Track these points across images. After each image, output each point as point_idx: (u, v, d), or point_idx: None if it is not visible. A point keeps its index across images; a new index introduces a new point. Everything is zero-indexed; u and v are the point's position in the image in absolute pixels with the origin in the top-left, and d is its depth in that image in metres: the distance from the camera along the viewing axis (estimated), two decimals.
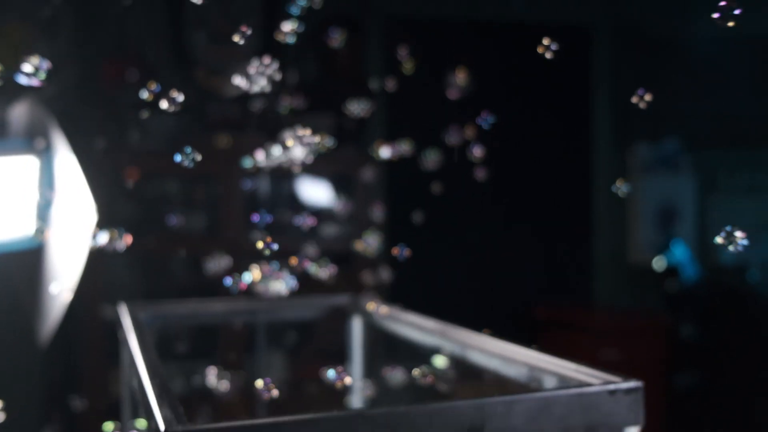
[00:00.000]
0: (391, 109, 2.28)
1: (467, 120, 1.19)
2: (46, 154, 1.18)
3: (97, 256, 1.62)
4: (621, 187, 1.53)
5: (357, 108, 0.94)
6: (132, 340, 0.59)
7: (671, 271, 2.72)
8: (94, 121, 1.78)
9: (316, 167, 2.07)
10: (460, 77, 1.19)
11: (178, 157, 0.78)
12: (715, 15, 0.69)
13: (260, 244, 0.71)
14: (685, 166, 2.93)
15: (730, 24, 0.71)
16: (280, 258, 0.84)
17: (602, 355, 2.09)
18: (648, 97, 0.82)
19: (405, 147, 1.21)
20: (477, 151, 1.21)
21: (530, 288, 2.51)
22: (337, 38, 1.34)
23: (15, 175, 1.20)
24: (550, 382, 0.48)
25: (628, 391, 0.45)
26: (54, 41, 1.66)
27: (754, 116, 2.66)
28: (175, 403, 0.40)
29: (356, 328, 0.90)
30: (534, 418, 0.43)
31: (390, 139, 2.21)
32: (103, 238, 0.78)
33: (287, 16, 0.96)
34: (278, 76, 0.71)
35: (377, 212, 1.98)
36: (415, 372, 0.88)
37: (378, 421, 0.39)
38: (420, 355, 0.82)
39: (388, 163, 2.10)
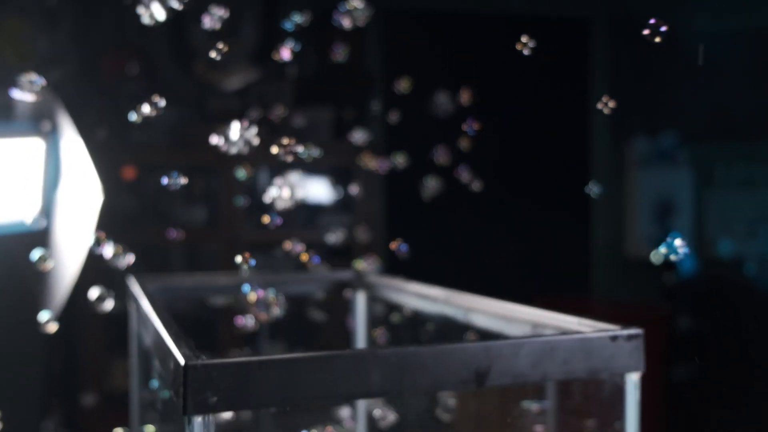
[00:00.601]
0: (389, 105, 2.29)
1: (466, 116, 1.20)
2: (51, 137, 1.19)
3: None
4: (593, 189, 1.55)
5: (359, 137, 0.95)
6: (143, 300, 0.60)
7: (669, 263, 2.73)
8: (94, 114, 1.79)
9: (316, 159, 2.07)
10: (465, 97, 1.21)
11: (164, 180, 0.80)
12: (645, 31, 0.72)
13: (239, 259, 0.72)
14: (682, 159, 2.94)
15: (657, 40, 0.74)
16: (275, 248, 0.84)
17: None
18: (612, 104, 0.84)
19: (399, 160, 1.23)
20: (464, 175, 1.22)
21: (528, 280, 2.52)
22: (341, 53, 1.36)
23: (21, 157, 1.21)
24: None
25: (629, 337, 0.47)
26: (54, 35, 1.67)
27: (751, 109, 2.67)
28: (190, 343, 0.41)
29: (360, 302, 0.92)
30: (538, 361, 0.44)
31: (389, 131, 2.23)
32: (108, 251, 0.79)
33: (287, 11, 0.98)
34: (256, 139, 0.72)
35: (376, 204, 1.99)
36: None
37: (389, 360, 0.41)
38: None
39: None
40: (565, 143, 2.69)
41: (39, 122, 1.18)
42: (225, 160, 1.90)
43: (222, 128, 0.70)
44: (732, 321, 2.38)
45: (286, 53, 0.97)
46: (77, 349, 1.74)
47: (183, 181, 0.82)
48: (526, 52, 0.82)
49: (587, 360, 0.45)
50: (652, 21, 0.75)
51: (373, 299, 0.88)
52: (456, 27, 2.41)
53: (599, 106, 0.84)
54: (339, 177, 2.17)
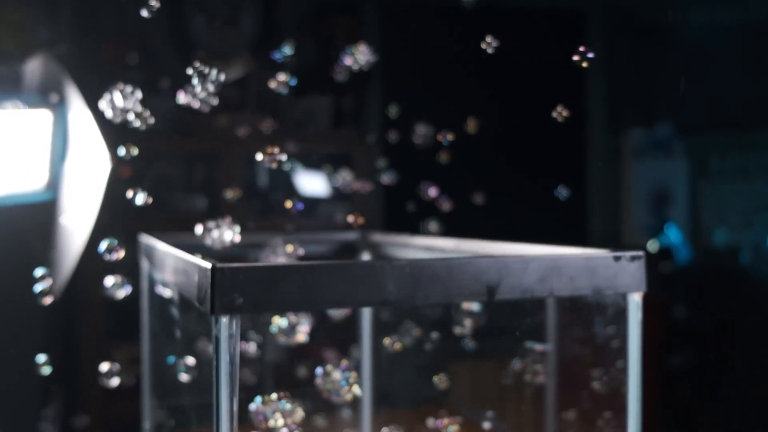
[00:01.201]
0: (388, 92, 2.31)
1: (465, 103, 1.22)
2: (59, 108, 1.21)
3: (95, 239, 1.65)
4: (562, 192, 1.57)
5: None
6: (158, 243, 0.62)
7: (665, 253, 2.75)
8: (94, 101, 1.80)
9: (315, 149, 2.10)
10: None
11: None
12: (575, 57, 0.75)
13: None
14: (678, 150, 2.97)
15: (585, 65, 0.77)
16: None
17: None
18: (565, 113, 0.87)
19: (385, 179, 1.24)
20: (432, 191, 1.23)
21: None
22: (342, 73, 1.39)
23: (29, 129, 1.23)
24: None
25: (632, 258, 0.49)
26: (54, 24, 1.69)
27: (746, 100, 2.70)
28: (210, 258, 0.43)
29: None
30: (546, 277, 0.46)
31: (386, 120, 2.25)
32: (103, 245, 0.81)
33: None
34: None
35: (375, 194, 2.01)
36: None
37: (404, 270, 0.43)
38: None
39: (386, 144, 2.13)
40: (561, 134, 2.70)
41: (47, 94, 1.20)
42: (226, 148, 1.92)
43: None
44: (728, 308, 2.40)
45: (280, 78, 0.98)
46: (77, 336, 1.74)
47: (146, 200, 0.83)
48: (489, 50, 0.84)
49: (591, 278, 0.47)
50: (581, 48, 0.77)
51: (378, 258, 0.90)
52: (453, 18, 2.43)
53: (554, 114, 0.86)
54: (337, 166, 2.18)
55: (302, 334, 0.78)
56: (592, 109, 2.73)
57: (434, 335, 0.84)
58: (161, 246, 0.61)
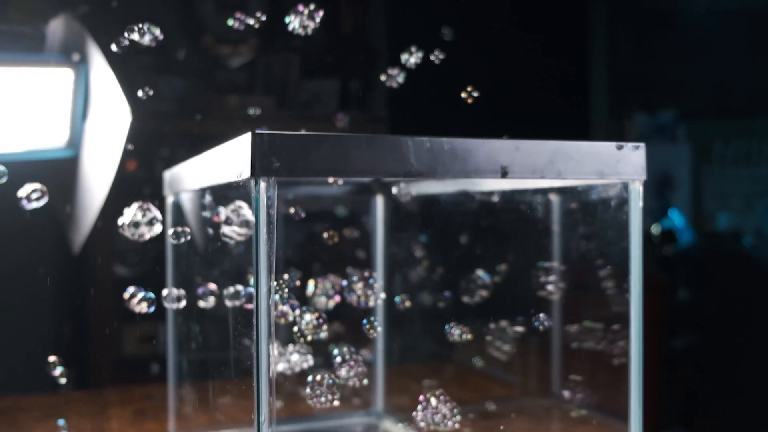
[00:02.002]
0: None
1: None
2: (80, 67, 1.25)
3: (106, 221, 1.69)
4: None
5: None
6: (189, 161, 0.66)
7: (668, 236, 2.78)
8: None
9: (322, 130, 2.13)
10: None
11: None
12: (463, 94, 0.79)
13: None
14: (681, 135, 3.00)
15: (470, 101, 0.81)
16: None
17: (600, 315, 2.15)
18: (475, 93, 0.89)
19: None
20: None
21: None
22: (342, 119, 1.42)
23: (50, 87, 1.26)
24: None
25: (634, 148, 0.53)
26: (65, 10, 1.73)
27: (749, 87, 2.73)
28: None
29: (379, 205, 0.98)
30: (554, 160, 0.50)
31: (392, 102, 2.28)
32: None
33: None
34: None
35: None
36: None
37: (424, 145, 0.47)
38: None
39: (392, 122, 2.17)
40: (565, 120, 2.74)
41: (68, 53, 1.24)
42: (232, 130, 1.95)
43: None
44: (730, 292, 2.43)
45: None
46: (87, 315, 1.77)
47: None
48: (470, 101, 0.87)
49: (596, 163, 0.51)
50: (469, 88, 0.80)
51: (391, 198, 0.94)
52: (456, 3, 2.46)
53: (463, 95, 0.89)
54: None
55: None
56: (595, 94, 2.76)
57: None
58: (193, 159, 0.65)
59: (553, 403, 1.07)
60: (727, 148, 2.95)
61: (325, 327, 0.60)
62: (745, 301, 2.34)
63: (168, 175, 0.90)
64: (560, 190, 0.75)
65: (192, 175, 0.68)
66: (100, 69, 1.29)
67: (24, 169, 1.32)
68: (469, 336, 0.74)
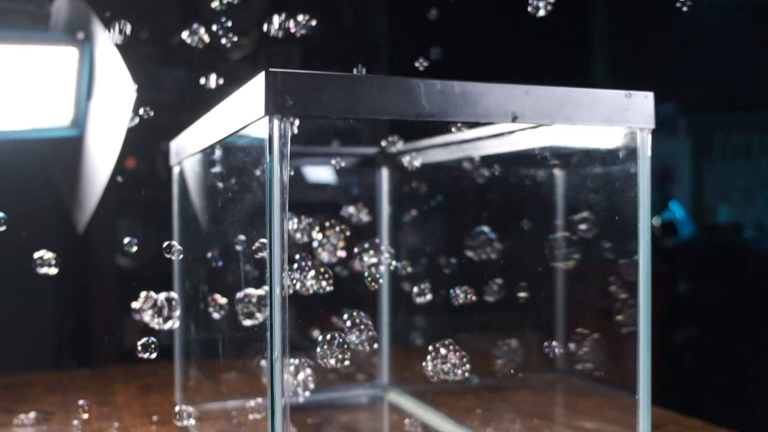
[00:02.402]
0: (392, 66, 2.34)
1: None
2: (85, 46, 1.25)
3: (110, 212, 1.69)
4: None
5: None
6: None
7: (669, 229, 2.79)
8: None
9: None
10: None
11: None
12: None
13: None
14: (681, 128, 3.00)
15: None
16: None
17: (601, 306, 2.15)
18: (426, 63, 0.90)
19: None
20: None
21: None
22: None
23: (54, 65, 1.27)
24: None
25: (643, 96, 0.53)
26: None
27: (749, 80, 2.73)
28: None
29: (384, 176, 0.98)
30: (564, 106, 0.51)
31: None
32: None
33: None
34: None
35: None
36: None
37: (435, 88, 0.47)
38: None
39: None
40: None
41: (73, 32, 1.24)
42: None
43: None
44: (730, 284, 2.43)
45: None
46: (89, 306, 1.77)
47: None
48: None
49: (606, 110, 0.52)
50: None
51: (396, 168, 0.94)
52: None
53: (416, 64, 0.90)
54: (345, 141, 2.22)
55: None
56: (596, 86, 2.75)
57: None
58: (203, 117, 0.66)
59: (557, 377, 1.07)
60: (728, 141, 2.95)
61: (330, 279, 0.60)
62: (745, 294, 2.34)
63: (174, 144, 0.91)
64: (565, 159, 0.75)
65: (201, 134, 0.68)
66: (104, 48, 1.29)
67: (28, 147, 1.32)
68: (473, 297, 0.74)
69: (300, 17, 0.94)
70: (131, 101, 1.25)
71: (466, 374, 0.61)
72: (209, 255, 0.76)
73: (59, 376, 1.19)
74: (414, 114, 0.47)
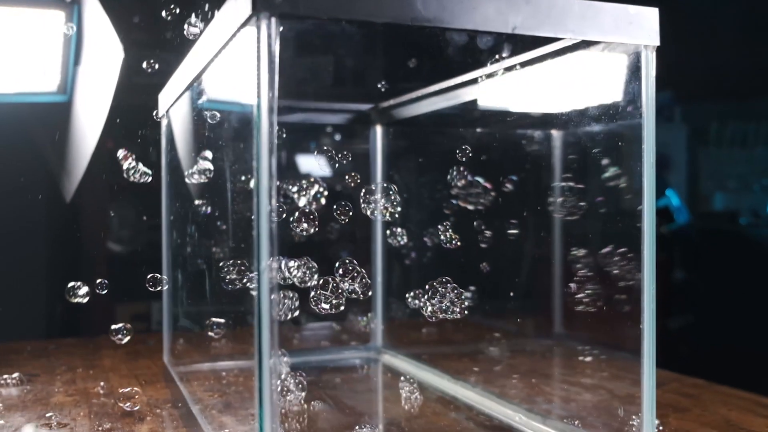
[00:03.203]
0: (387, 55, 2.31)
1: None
2: (73, 8, 1.22)
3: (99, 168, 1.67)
4: None
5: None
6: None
7: (664, 216, 2.77)
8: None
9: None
10: None
11: None
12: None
13: None
14: (677, 116, 2.99)
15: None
16: None
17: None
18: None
19: None
20: None
21: None
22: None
23: (41, 29, 1.24)
24: None
25: (649, 11, 0.51)
26: None
27: (745, 69, 2.72)
28: None
29: (378, 134, 0.96)
30: (565, 17, 0.48)
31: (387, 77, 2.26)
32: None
33: None
34: None
35: None
36: None
37: None
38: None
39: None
40: None
41: None
42: None
43: None
44: (726, 271, 2.42)
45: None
46: (80, 264, 1.75)
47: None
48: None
49: (609, 23, 0.50)
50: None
51: (389, 125, 0.92)
52: None
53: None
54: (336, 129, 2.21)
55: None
56: None
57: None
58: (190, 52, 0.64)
59: (555, 342, 1.05)
60: (724, 130, 2.94)
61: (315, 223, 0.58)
62: (741, 281, 2.33)
63: (161, 95, 0.89)
64: (566, 123, 0.73)
65: (189, 67, 0.66)
66: (92, 11, 1.26)
67: (14, 111, 1.29)
68: (458, 243, 0.72)
69: None
70: (119, 62, 1.23)
71: (465, 311, 0.59)
72: (198, 204, 0.74)
73: (46, 344, 1.16)
74: (409, 18, 0.44)
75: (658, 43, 0.52)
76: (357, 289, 0.71)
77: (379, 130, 0.96)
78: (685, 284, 2.51)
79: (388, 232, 0.89)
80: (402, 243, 0.87)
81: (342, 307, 0.65)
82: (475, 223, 0.84)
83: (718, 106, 2.94)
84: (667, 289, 2.41)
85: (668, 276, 2.47)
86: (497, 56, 0.67)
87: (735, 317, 2.23)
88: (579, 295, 0.90)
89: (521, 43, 0.64)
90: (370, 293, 0.70)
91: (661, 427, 0.69)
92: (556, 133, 0.91)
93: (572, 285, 0.91)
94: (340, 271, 0.70)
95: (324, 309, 0.65)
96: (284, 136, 0.80)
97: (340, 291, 0.65)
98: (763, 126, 2.96)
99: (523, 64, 0.64)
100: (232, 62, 0.55)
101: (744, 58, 2.69)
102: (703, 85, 2.85)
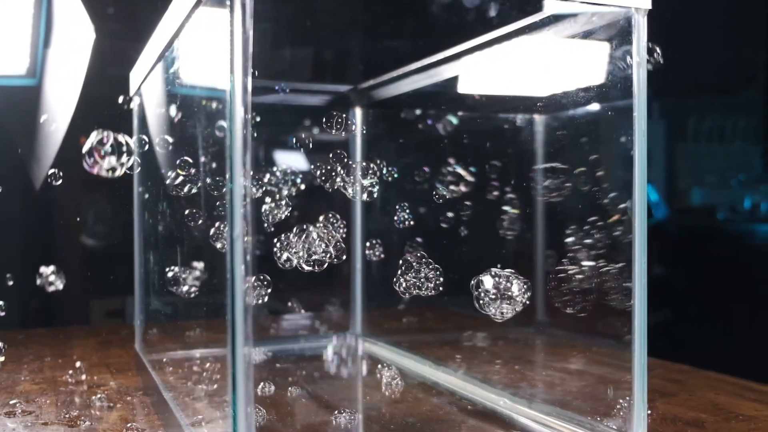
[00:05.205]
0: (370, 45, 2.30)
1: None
2: None
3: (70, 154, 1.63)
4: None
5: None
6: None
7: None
8: None
9: (296, 101, 2.09)
10: None
11: None
12: None
13: None
14: (655, 112, 3.00)
15: None
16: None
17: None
18: None
19: None
20: None
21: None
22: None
23: (10, 11, 1.20)
24: None
25: None
26: None
27: (723, 64, 2.73)
28: None
29: (358, 116, 0.93)
30: None
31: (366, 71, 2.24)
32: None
33: None
34: None
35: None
36: None
37: None
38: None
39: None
40: None
41: None
42: None
43: None
44: (704, 266, 2.43)
45: None
46: (52, 254, 1.71)
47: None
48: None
49: None
50: None
51: (368, 107, 0.90)
52: None
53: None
54: (318, 119, 2.18)
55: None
56: None
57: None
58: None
59: (538, 329, 1.03)
60: (702, 125, 2.96)
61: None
62: (719, 276, 2.34)
63: (132, 72, 0.85)
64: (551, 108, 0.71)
65: (159, 37, 0.63)
66: None
67: None
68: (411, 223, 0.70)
69: None
70: (90, 42, 1.20)
71: (440, 288, 0.56)
72: (168, 175, 0.71)
73: (16, 334, 1.12)
74: None
75: (649, 6, 0.50)
76: (332, 254, 0.68)
77: (358, 112, 0.94)
78: (663, 279, 2.51)
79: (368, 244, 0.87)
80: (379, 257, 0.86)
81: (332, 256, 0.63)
82: (450, 213, 0.83)
83: (696, 102, 2.96)
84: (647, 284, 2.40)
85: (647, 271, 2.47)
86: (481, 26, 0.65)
87: (712, 313, 2.24)
88: (563, 284, 0.88)
89: (506, 13, 0.62)
90: (345, 258, 0.67)
91: (649, 411, 0.67)
92: (538, 117, 0.89)
93: (556, 273, 0.90)
94: (314, 235, 0.67)
95: (303, 264, 0.63)
96: (258, 119, 0.77)
97: (318, 240, 0.62)
98: (741, 121, 2.99)
99: (509, 35, 0.62)
100: (200, 36, 0.52)
101: (722, 54, 2.70)
102: (681, 80, 2.86)
